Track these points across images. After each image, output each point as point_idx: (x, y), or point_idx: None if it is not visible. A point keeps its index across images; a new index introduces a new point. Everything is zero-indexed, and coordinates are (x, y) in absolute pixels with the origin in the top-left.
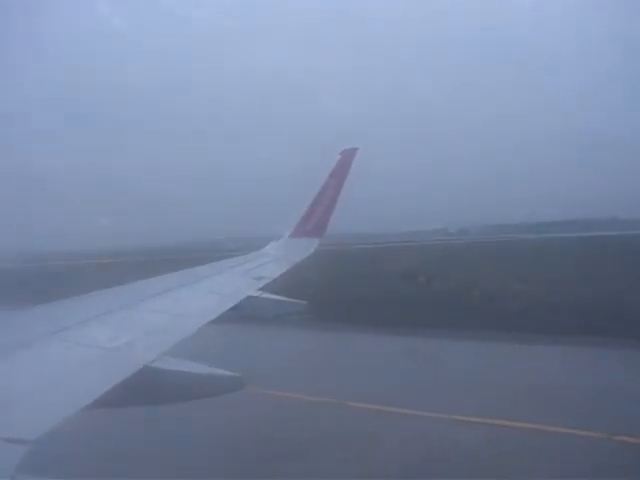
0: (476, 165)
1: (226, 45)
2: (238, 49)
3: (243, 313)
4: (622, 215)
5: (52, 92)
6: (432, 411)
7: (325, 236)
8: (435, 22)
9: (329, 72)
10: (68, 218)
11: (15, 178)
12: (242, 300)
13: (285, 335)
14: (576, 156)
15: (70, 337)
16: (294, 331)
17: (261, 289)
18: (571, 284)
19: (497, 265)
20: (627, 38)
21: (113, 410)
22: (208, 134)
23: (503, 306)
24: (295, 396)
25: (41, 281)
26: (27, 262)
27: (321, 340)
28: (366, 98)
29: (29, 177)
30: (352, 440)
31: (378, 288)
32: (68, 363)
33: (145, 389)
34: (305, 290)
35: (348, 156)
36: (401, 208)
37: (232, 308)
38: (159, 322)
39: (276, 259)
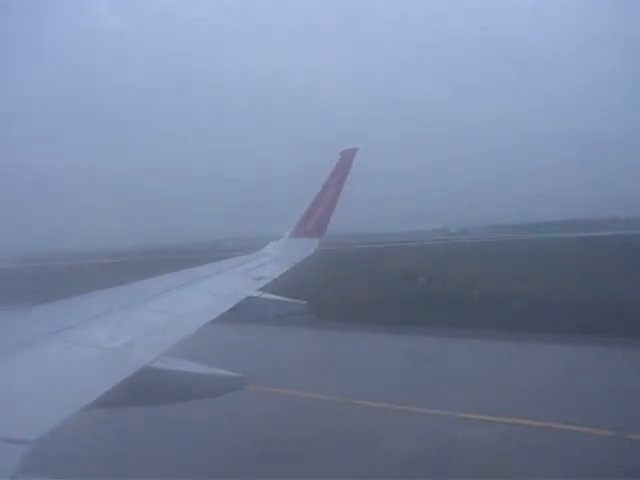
0: (476, 165)
1: (226, 45)
2: (238, 49)
3: (243, 313)
4: (622, 215)
5: (52, 92)
6: (438, 408)
7: (325, 236)
8: (435, 22)
9: (329, 72)
10: (68, 218)
11: (15, 178)
12: (242, 300)
13: (286, 335)
14: (576, 156)
15: (70, 337)
16: (294, 331)
17: (261, 289)
18: (571, 284)
19: (497, 265)
20: (627, 38)
21: (113, 410)
22: (208, 134)
23: (503, 306)
24: (300, 394)
25: (41, 281)
26: (27, 262)
27: (322, 340)
28: (366, 98)
29: (29, 177)
30: (363, 436)
31: (378, 288)
32: (68, 363)
33: (145, 389)
34: (305, 290)
35: (348, 156)
36: (401, 208)
37: (232, 308)
38: (159, 322)
39: (276, 259)
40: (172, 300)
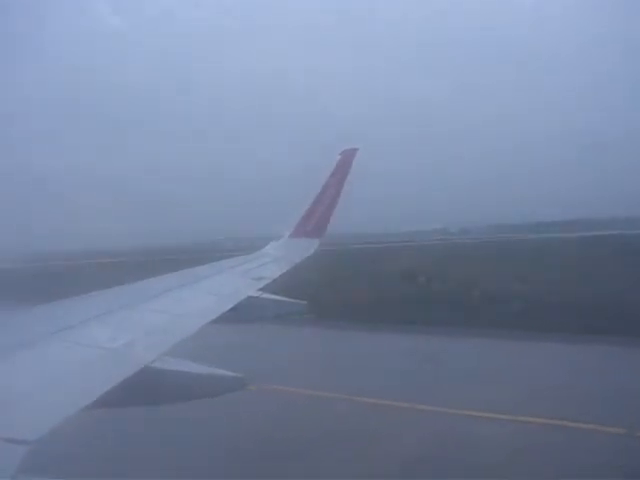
0: (476, 165)
1: (226, 45)
2: (238, 49)
3: (243, 313)
4: (622, 215)
5: (52, 92)
6: (442, 406)
7: (325, 236)
8: (435, 22)
9: (329, 72)
10: (68, 218)
11: (15, 178)
12: (242, 300)
13: (286, 335)
14: (576, 156)
15: (70, 337)
16: (295, 331)
17: (261, 289)
18: (571, 284)
19: (497, 265)
20: (627, 38)
21: (113, 410)
22: (208, 134)
23: (503, 306)
24: (302, 391)
25: (41, 281)
26: (27, 262)
27: (322, 340)
28: (366, 98)
29: (29, 177)
30: (368, 432)
31: (378, 288)
32: (68, 363)
33: (145, 389)
34: (305, 290)
35: (348, 156)
36: (401, 208)
37: (232, 308)
38: (159, 322)
39: (276, 259)
40: (172, 300)
